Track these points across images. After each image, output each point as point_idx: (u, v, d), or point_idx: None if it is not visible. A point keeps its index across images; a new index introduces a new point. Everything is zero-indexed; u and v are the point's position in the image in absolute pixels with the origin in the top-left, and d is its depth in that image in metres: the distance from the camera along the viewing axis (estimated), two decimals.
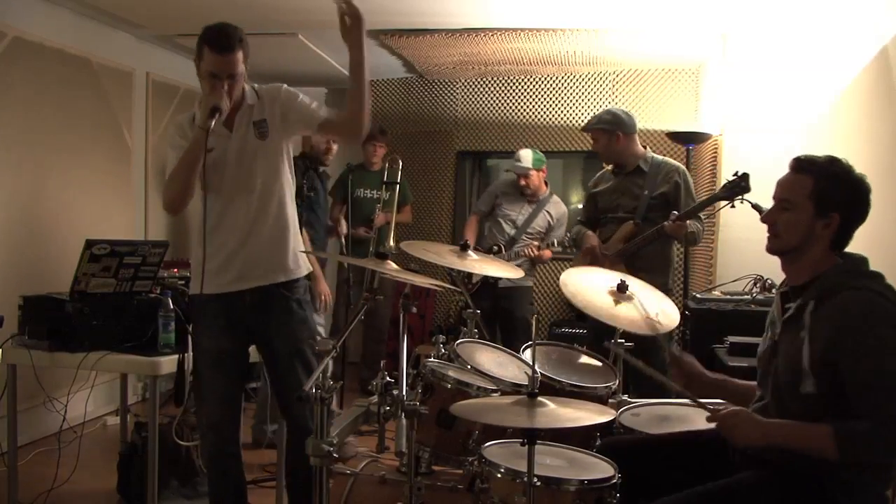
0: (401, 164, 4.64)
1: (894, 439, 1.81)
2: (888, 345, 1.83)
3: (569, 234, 4.28)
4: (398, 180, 4.65)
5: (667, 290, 3.76)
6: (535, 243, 4.74)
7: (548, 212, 4.86)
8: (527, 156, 4.78)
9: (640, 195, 3.76)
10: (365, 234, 5.16)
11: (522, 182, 4.80)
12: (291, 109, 2.68)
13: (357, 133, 2.69)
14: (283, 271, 2.71)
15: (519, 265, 4.49)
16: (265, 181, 2.66)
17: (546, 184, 4.93)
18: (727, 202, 3.34)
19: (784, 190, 2.03)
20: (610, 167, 3.98)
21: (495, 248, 4.78)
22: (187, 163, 2.52)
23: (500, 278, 4.48)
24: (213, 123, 2.46)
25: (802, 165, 2.00)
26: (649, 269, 3.58)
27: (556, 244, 4.73)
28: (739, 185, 3.26)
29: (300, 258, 2.78)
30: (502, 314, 4.83)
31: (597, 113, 3.97)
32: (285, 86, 2.72)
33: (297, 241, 2.79)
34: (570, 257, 5.78)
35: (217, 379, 2.68)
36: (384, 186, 5.05)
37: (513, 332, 4.79)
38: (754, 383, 2.20)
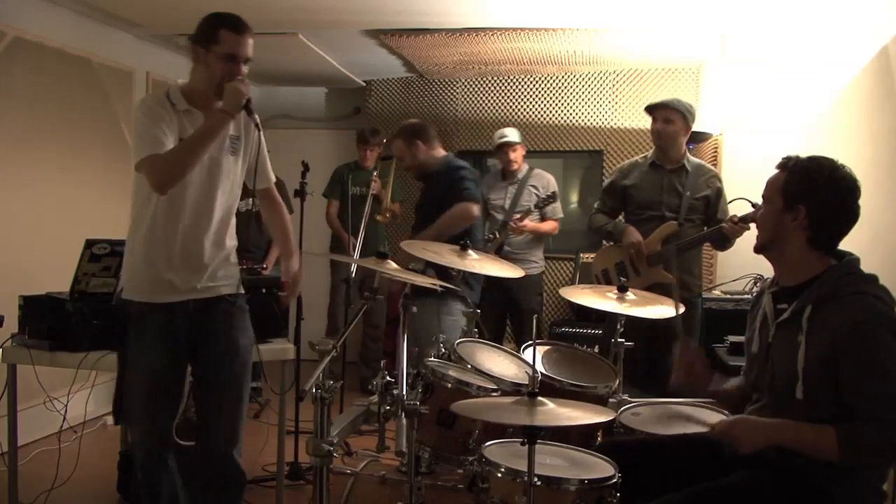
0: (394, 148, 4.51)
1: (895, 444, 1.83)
2: (891, 351, 1.83)
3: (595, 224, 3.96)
4: (392, 153, 4.33)
5: (698, 287, 3.79)
6: (517, 215, 4.62)
7: (532, 186, 4.82)
8: (511, 131, 4.85)
9: (683, 195, 3.69)
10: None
11: (511, 155, 4.78)
12: (258, 155, 2.59)
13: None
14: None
15: (521, 240, 4.67)
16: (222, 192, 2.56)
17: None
18: None
19: (766, 187, 2.06)
20: (645, 160, 3.80)
21: (489, 235, 4.59)
22: (204, 141, 2.39)
23: None
24: (242, 114, 2.43)
25: (783, 163, 2.03)
26: (688, 269, 3.58)
27: (557, 212, 4.82)
28: None
29: None
30: (511, 306, 4.71)
31: (667, 98, 3.80)
32: (258, 121, 2.58)
33: None
34: (571, 257, 5.84)
35: None
36: (379, 162, 5.22)
37: (520, 324, 4.75)
38: (739, 380, 2.23)
